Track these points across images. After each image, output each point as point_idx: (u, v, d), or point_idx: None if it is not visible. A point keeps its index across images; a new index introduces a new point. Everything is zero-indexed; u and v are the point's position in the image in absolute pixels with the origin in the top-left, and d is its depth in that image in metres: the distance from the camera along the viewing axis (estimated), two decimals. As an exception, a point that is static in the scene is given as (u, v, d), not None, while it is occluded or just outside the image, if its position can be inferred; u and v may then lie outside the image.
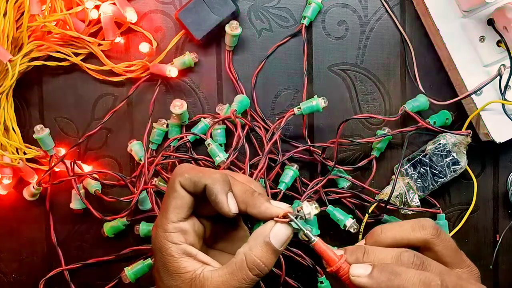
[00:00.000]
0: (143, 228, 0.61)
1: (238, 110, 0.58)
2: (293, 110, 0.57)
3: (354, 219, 0.58)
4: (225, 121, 0.60)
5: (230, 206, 0.43)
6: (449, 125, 0.60)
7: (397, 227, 0.44)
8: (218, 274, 0.42)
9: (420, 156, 0.59)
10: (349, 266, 0.41)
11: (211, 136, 0.59)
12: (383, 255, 0.41)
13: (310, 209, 0.43)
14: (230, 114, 0.57)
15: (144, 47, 0.59)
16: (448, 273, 0.41)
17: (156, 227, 0.44)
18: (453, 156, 0.58)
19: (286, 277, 0.59)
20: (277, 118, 0.60)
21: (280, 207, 0.44)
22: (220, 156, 0.56)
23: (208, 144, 0.57)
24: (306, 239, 0.43)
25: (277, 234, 0.43)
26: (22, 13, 0.59)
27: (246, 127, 0.59)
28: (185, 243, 0.44)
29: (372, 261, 0.41)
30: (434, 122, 0.58)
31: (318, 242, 0.42)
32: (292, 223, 0.42)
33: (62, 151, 0.61)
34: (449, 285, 0.40)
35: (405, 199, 0.58)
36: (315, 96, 0.57)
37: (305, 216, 0.43)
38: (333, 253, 0.42)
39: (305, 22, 0.59)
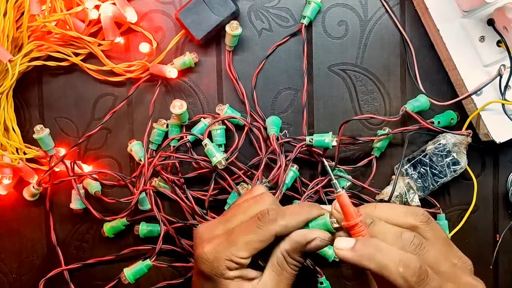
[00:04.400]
0: (142, 228, 0.61)
1: (276, 133, 0.59)
2: (305, 140, 0.58)
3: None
4: (225, 121, 0.60)
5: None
6: (454, 125, 0.60)
7: (391, 209, 0.44)
8: (268, 279, 0.44)
9: (420, 156, 0.59)
10: (364, 226, 0.43)
11: (210, 137, 0.59)
12: (385, 229, 0.42)
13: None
14: (272, 141, 0.57)
15: (144, 47, 0.59)
16: (444, 259, 0.42)
17: (219, 253, 0.43)
18: (453, 156, 0.58)
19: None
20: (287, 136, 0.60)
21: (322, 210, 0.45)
22: (217, 156, 0.56)
23: (205, 144, 0.57)
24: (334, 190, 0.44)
25: (314, 247, 0.44)
26: (22, 13, 0.59)
27: (246, 128, 0.59)
28: (242, 268, 0.44)
29: (375, 231, 0.42)
30: (439, 122, 0.58)
31: (343, 195, 0.43)
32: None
33: (62, 151, 0.61)
34: (442, 270, 0.41)
35: (405, 199, 0.58)
36: (330, 133, 0.57)
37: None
38: (353, 210, 0.43)
39: (305, 21, 0.59)
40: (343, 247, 0.42)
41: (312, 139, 0.58)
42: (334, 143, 0.57)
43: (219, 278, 0.43)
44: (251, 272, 0.44)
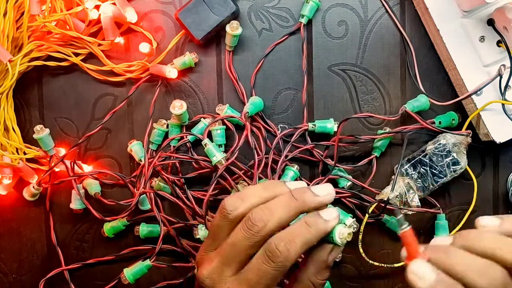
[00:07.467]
0: (143, 229, 0.61)
1: (250, 112, 0.58)
2: (307, 125, 0.59)
3: (354, 218, 0.58)
4: (225, 121, 0.60)
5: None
6: (456, 126, 0.59)
7: (500, 241, 0.38)
8: None
9: (420, 156, 0.58)
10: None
11: (210, 137, 0.59)
12: (466, 263, 0.37)
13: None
14: (242, 116, 0.57)
15: (144, 47, 0.59)
16: None
17: (217, 277, 0.41)
18: (453, 156, 0.58)
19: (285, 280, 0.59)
20: (284, 127, 0.61)
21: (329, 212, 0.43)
22: (217, 156, 0.56)
23: (205, 144, 0.57)
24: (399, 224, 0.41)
25: (334, 256, 0.44)
26: (22, 13, 0.59)
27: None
28: None
29: (451, 266, 0.37)
30: (440, 122, 0.58)
31: (409, 231, 0.40)
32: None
33: (62, 151, 0.61)
34: None
35: (405, 199, 0.58)
36: (332, 119, 0.59)
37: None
38: (417, 247, 0.39)
39: (303, 20, 0.59)
40: (421, 276, 0.37)
41: (314, 124, 0.59)
42: (335, 129, 0.58)
43: None
44: None
